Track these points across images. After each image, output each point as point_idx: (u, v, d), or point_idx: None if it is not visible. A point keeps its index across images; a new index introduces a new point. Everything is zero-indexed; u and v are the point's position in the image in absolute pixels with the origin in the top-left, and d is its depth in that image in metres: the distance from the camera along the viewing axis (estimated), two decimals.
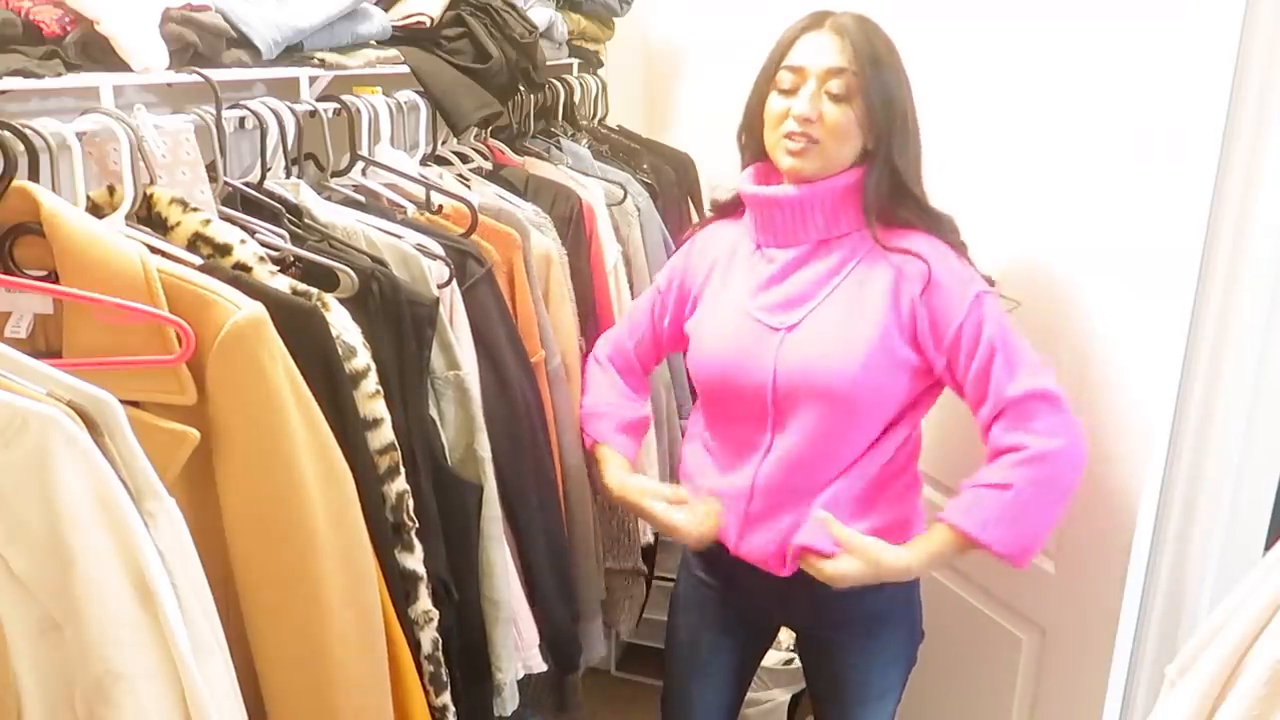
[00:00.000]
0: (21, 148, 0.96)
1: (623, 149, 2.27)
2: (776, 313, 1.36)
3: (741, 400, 1.38)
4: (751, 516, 1.38)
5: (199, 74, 1.21)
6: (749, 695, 2.44)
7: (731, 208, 1.49)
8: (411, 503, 1.18)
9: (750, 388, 1.36)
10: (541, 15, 2.01)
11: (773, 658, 2.50)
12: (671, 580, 2.54)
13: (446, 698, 1.25)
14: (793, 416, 1.34)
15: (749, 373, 1.36)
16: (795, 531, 1.34)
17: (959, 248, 1.35)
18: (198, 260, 1.03)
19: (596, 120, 2.39)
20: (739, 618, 1.56)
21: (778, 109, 1.33)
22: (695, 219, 2.36)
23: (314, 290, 1.11)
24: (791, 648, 2.56)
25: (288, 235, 1.22)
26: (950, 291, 1.30)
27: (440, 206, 1.54)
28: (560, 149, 2.08)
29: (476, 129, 1.88)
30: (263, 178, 1.31)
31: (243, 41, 1.31)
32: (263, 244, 1.14)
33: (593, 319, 1.83)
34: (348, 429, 1.09)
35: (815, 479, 1.35)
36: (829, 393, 1.31)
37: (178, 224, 1.08)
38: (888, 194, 1.33)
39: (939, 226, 1.35)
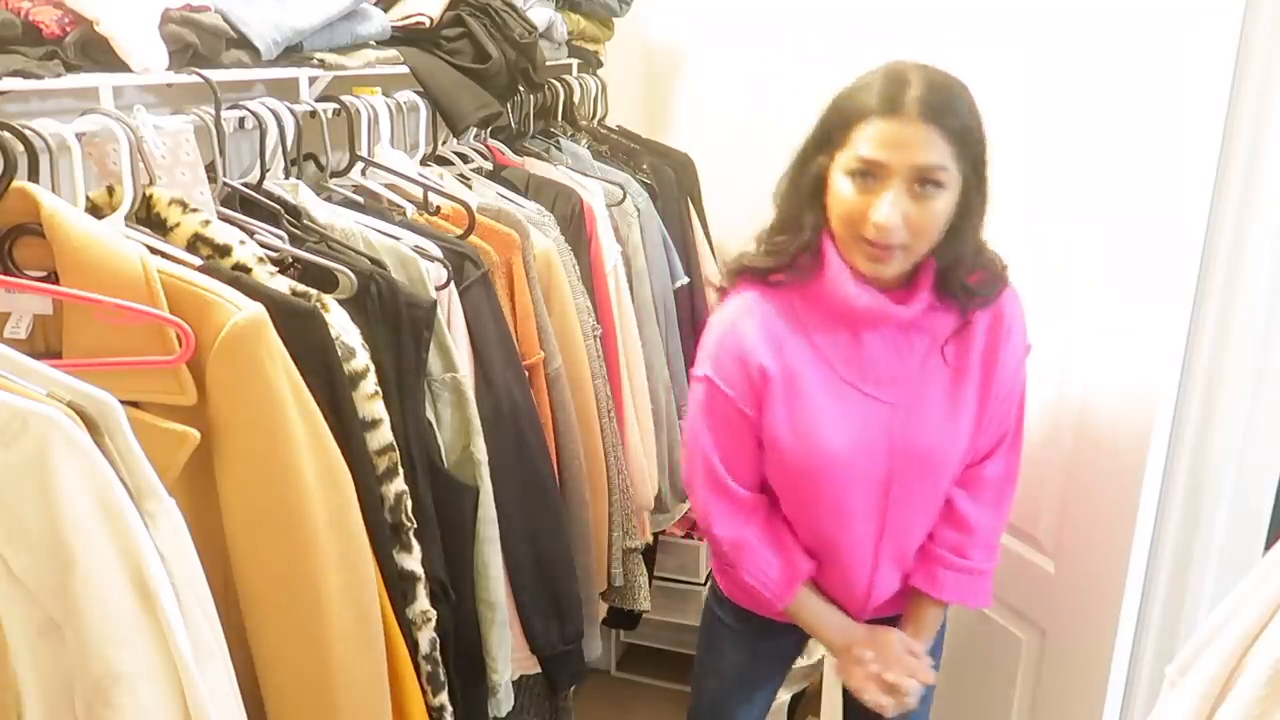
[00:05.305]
0: (21, 148, 0.96)
1: (622, 149, 2.27)
2: (883, 386, 1.29)
3: (856, 482, 1.31)
4: (876, 583, 1.39)
5: (198, 74, 1.20)
6: None
7: (777, 278, 1.31)
8: (410, 503, 1.18)
9: (868, 466, 1.30)
10: (541, 15, 2.01)
11: None
12: (671, 580, 2.56)
13: (444, 698, 1.25)
14: (902, 486, 1.32)
15: (867, 451, 1.29)
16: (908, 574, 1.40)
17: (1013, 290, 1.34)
18: (197, 261, 1.03)
19: (596, 120, 2.39)
20: (784, 648, 1.58)
21: (853, 205, 1.17)
22: (695, 219, 2.36)
23: (313, 291, 1.11)
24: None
25: (287, 236, 1.22)
26: (1015, 351, 1.33)
27: (438, 207, 1.54)
28: (560, 149, 2.08)
29: (476, 129, 1.88)
30: (262, 178, 1.31)
31: (242, 42, 1.31)
32: (262, 245, 1.14)
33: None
34: (347, 429, 1.09)
35: (920, 530, 1.39)
36: (940, 461, 1.32)
37: (177, 225, 1.08)
38: (967, 257, 1.25)
39: (1004, 275, 1.31)
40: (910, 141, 1.12)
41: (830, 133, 1.20)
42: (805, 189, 1.24)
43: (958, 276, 1.25)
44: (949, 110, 1.14)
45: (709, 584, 1.62)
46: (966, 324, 1.29)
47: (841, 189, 1.18)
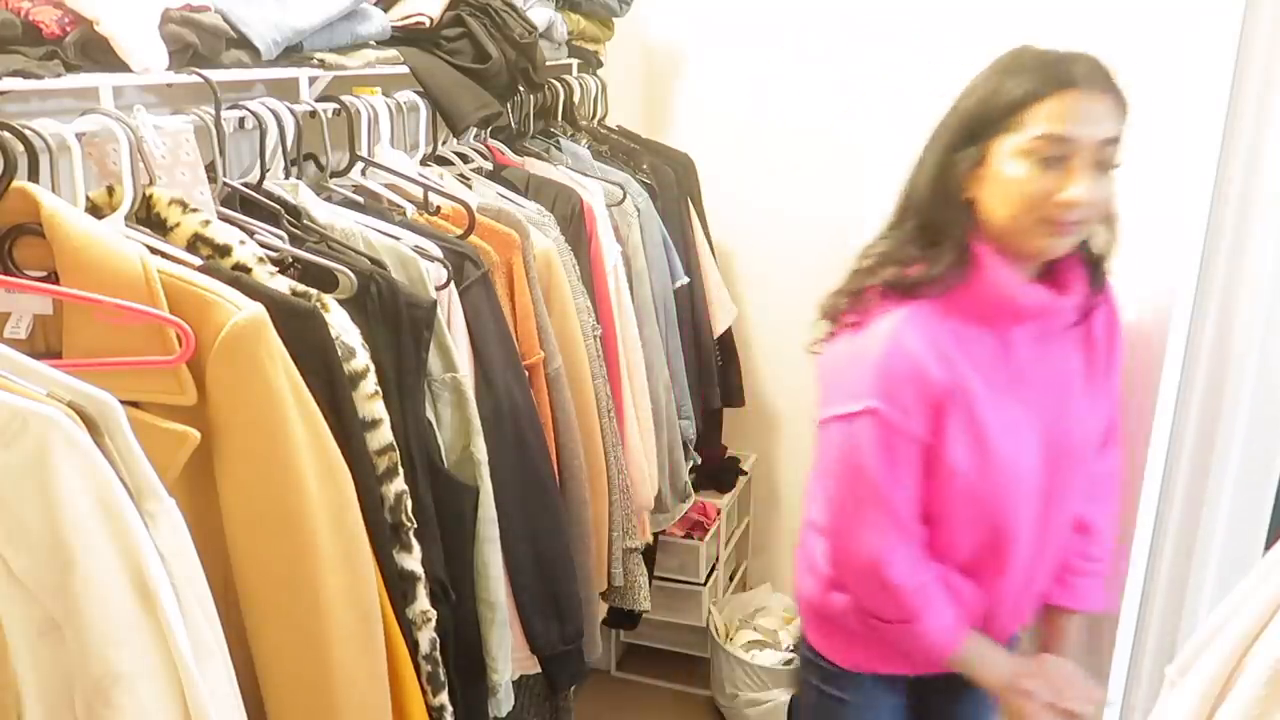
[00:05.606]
0: (21, 148, 0.96)
1: (622, 149, 2.27)
2: (1032, 388, 1.23)
3: (1024, 494, 1.23)
4: (1024, 606, 1.33)
5: (198, 74, 1.20)
6: (749, 695, 2.45)
7: (937, 288, 1.20)
8: (410, 503, 1.18)
9: (1032, 475, 1.23)
10: (541, 15, 2.01)
11: (773, 658, 2.50)
12: (671, 580, 2.56)
13: (444, 698, 1.25)
14: (1060, 491, 1.26)
15: (1032, 458, 1.23)
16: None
17: None
18: (197, 261, 1.03)
19: (596, 120, 2.39)
20: (899, 702, 1.45)
21: (1036, 186, 1.11)
22: (695, 219, 2.36)
23: (313, 291, 1.11)
24: (791, 647, 2.56)
25: (287, 236, 1.22)
26: (1118, 335, 1.31)
27: (438, 207, 1.54)
28: (560, 149, 2.08)
29: (476, 129, 1.88)
30: (262, 178, 1.31)
31: (242, 42, 1.31)
32: (262, 245, 1.14)
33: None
34: (347, 429, 1.09)
35: (1063, 539, 1.34)
36: (1086, 457, 1.28)
37: (177, 225, 1.08)
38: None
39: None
40: (1094, 115, 1.10)
41: (984, 123, 1.14)
42: (953, 189, 1.17)
43: (1105, 261, 1.22)
44: (1120, 85, 1.12)
45: (799, 663, 1.43)
46: (1088, 312, 1.26)
47: (1016, 173, 1.12)
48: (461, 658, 1.35)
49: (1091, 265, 1.24)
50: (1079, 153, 1.09)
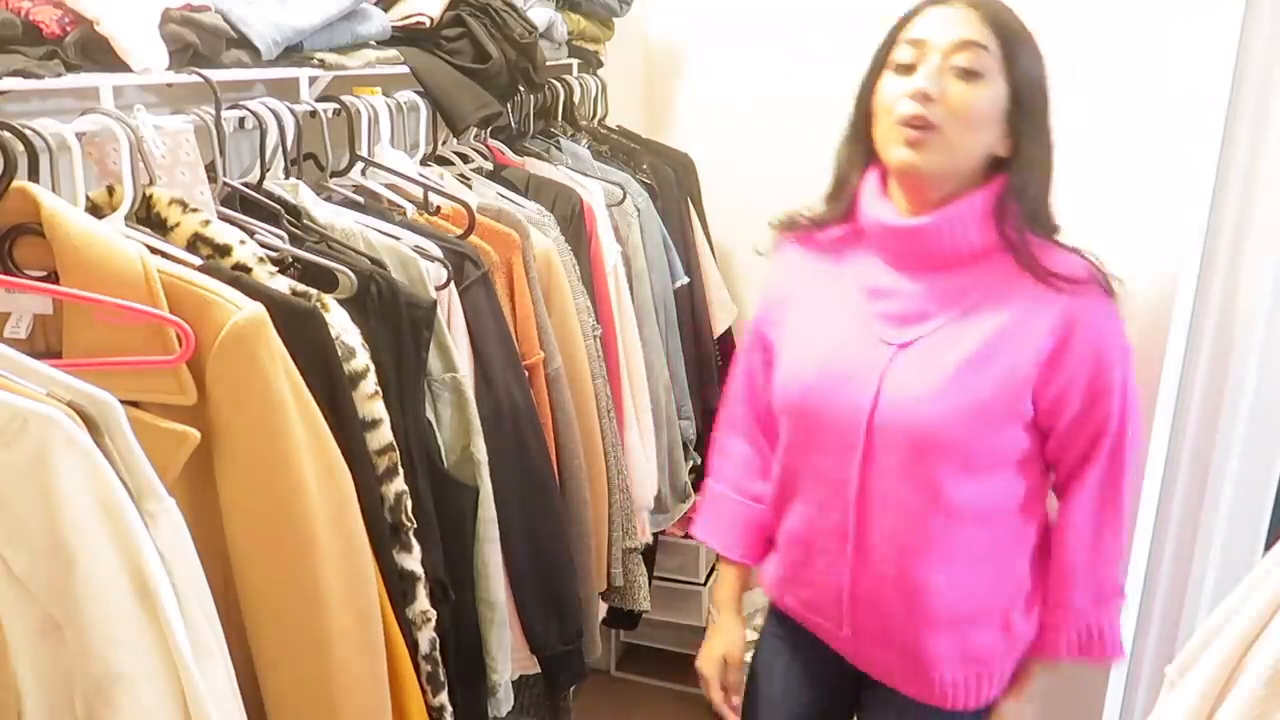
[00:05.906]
0: (21, 148, 0.96)
1: (623, 149, 2.27)
2: (892, 324, 1.17)
3: (834, 426, 1.19)
4: (858, 572, 1.22)
5: (198, 74, 1.20)
6: None
7: (824, 228, 1.26)
8: (410, 503, 1.18)
9: (847, 409, 1.17)
10: (541, 15, 2.01)
11: None
12: (671, 580, 2.56)
13: (444, 698, 1.26)
14: (889, 452, 1.16)
15: (850, 390, 1.17)
16: (916, 605, 1.19)
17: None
18: (197, 261, 1.03)
19: (596, 120, 2.39)
20: (817, 670, 1.40)
21: (892, 91, 1.12)
22: (695, 219, 2.36)
23: (313, 291, 1.11)
24: None
25: (287, 236, 1.22)
26: (1099, 345, 1.14)
27: (438, 207, 1.54)
28: (560, 149, 2.08)
29: (476, 129, 1.88)
30: (262, 178, 1.31)
31: (242, 42, 1.31)
32: (262, 245, 1.14)
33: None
34: (347, 429, 1.09)
35: (922, 530, 1.17)
36: (929, 430, 1.13)
37: (177, 224, 1.08)
38: (1034, 211, 1.14)
39: (1098, 278, 1.16)
40: (952, 20, 1.11)
41: (877, 57, 1.18)
42: (855, 140, 1.22)
43: (1017, 219, 1.12)
44: (1000, 9, 1.12)
45: None
46: (1039, 284, 1.13)
47: (884, 88, 1.15)
48: (461, 658, 1.35)
49: (1001, 220, 1.14)
50: (928, 54, 1.11)
